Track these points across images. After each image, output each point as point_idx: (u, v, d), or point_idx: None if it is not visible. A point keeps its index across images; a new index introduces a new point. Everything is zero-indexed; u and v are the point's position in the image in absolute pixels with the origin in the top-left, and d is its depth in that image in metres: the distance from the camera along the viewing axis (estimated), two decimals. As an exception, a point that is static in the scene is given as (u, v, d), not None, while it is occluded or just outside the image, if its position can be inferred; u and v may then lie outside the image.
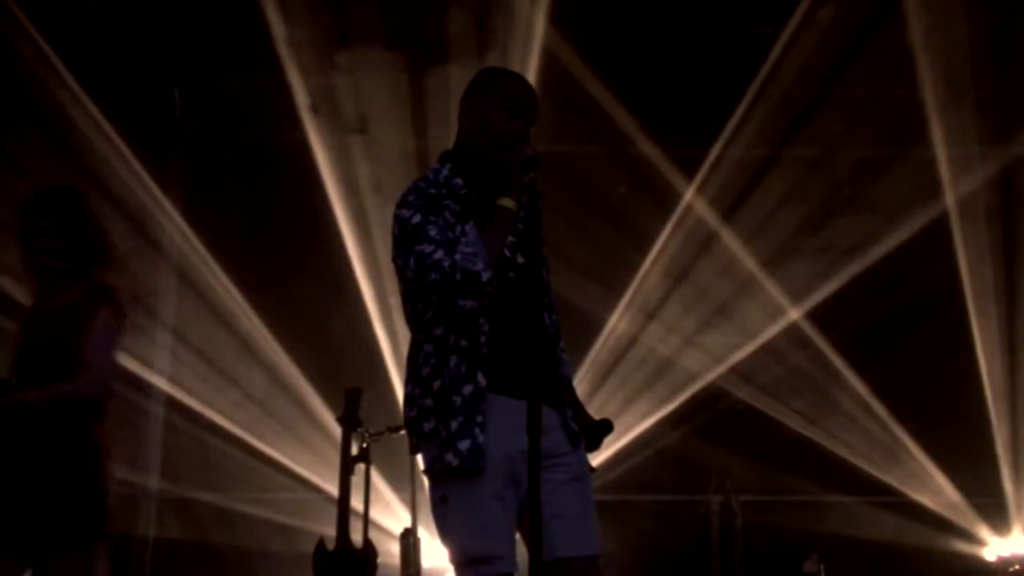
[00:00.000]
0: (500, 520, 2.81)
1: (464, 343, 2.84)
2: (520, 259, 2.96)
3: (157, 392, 7.42)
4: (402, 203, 2.97)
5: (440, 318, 2.88)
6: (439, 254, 2.82)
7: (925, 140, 7.35)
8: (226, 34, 7.09)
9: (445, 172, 3.02)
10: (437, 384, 2.86)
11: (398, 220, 2.94)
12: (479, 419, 2.79)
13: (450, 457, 2.79)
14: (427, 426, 2.86)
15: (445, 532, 2.88)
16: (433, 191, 2.96)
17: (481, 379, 2.81)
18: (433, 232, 2.86)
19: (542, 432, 2.65)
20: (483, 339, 2.84)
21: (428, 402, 2.87)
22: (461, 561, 2.84)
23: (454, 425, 2.80)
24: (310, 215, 7.49)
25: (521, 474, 2.75)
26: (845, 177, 7.75)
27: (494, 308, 2.84)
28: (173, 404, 7.37)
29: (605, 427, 3.04)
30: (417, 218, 2.90)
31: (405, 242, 2.90)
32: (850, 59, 7.12)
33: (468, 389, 2.81)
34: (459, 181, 2.98)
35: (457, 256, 2.81)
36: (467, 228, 2.88)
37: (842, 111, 7.45)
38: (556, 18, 6.86)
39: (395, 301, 7.47)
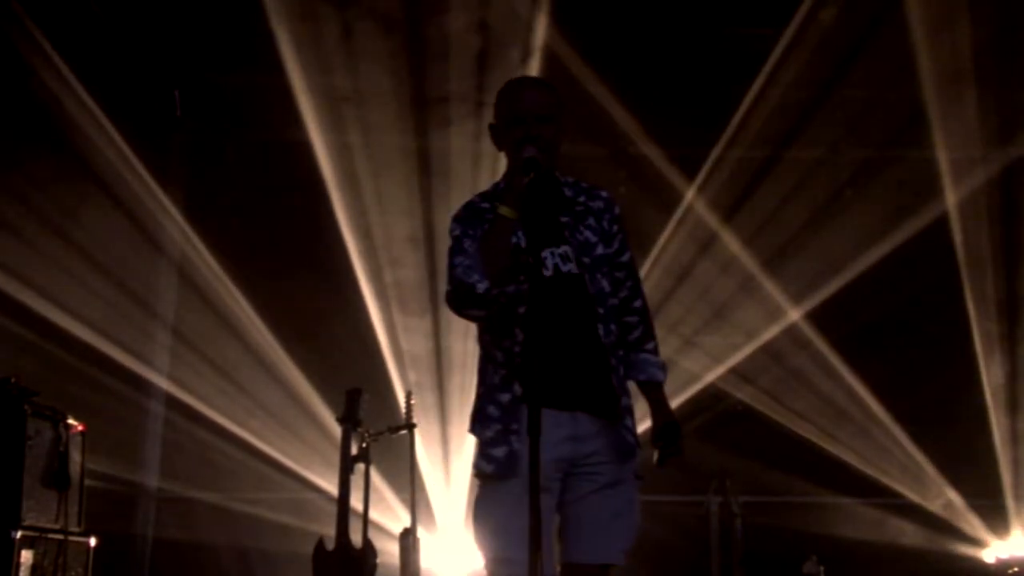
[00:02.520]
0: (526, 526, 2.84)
1: (500, 355, 2.92)
2: (565, 267, 2.96)
3: (157, 391, 7.42)
4: (453, 216, 3.07)
5: (483, 327, 3.00)
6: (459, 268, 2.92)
7: (926, 141, 7.35)
8: (227, 34, 7.08)
9: (502, 184, 3.07)
10: (482, 391, 2.98)
11: (449, 233, 3.04)
12: (515, 427, 2.85)
13: (483, 464, 2.90)
14: (476, 428, 2.97)
15: (476, 531, 2.94)
16: (485, 204, 3.03)
17: (517, 388, 2.88)
18: (466, 244, 2.94)
19: (578, 440, 2.84)
20: (516, 348, 2.88)
21: (477, 405, 2.99)
22: (486, 560, 2.93)
23: (490, 433, 2.90)
24: (310, 215, 7.49)
25: (555, 481, 2.86)
26: (846, 178, 7.75)
27: (532, 317, 2.83)
28: (173, 403, 7.37)
29: (673, 429, 3.01)
30: (457, 231, 3.00)
31: (448, 255, 3.00)
32: (851, 60, 7.12)
33: (505, 398, 2.89)
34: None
35: (458, 269, 2.87)
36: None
37: (843, 112, 7.45)
38: (557, 18, 6.85)
39: (396, 301, 7.53)
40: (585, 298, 2.94)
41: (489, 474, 2.87)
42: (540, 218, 2.89)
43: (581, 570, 2.90)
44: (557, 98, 3.06)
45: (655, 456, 3.00)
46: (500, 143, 3.06)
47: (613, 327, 2.99)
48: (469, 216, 3.00)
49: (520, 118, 2.98)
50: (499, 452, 2.86)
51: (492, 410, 2.91)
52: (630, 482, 2.97)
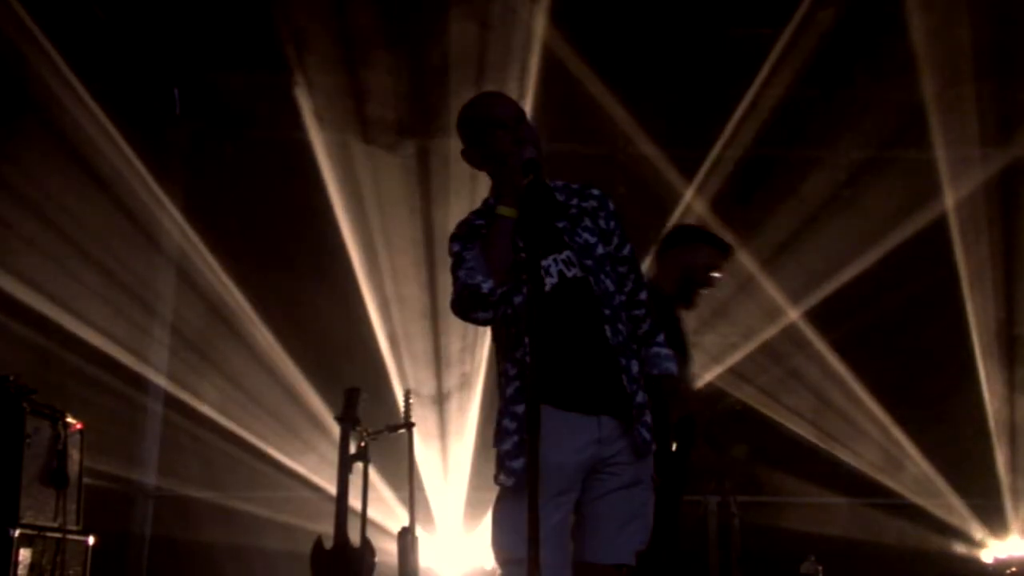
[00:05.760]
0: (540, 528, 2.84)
1: (512, 368, 2.93)
2: (570, 273, 2.96)
3: (155, 389, 7.42)
4: (451, 236, 3.08)
5: (496, 340, 3.01)
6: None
7: (925, 142, 7.36)
8: (226, 33, 7.08)
9: (492, 200, 3.08)
10: (500, 405, 2.98)
11: (448, 252, 3.06)
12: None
13: (503, 477, 2.90)
14: (496, 442, 2.97)
15: (493, 531, 2.96)
16: (480, 221, 3.05)
17: None
18: (467, 256, 2.95)
19: (602, 443, 2.85)
20: (528, 359, 2.85)
21: (496, 419, 2.99)
22: (498, 560, 2.95)
23: (507, 446, 2.89)
24: (310, 214, 7.49)
25: (577, 483, 2.88)
26: (845, 178, 7.76)
27: (536, 321, 2.80)
28: (171, 401, 7.37)
29: (690, 423, 3.02)
30: (456, 247, 3.01)
31: (451, 271, 3.01)
32: (850, 61, 7.12)
33: (520, 409, 2.89)
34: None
35: (461, 274, 2.89)
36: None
37: (842, 112, 7.45)
38: (556, 18, 6.85)
39: (395, 301, 7.53)
40: (591, 301, 2.94)
41: (510, 487, 2.86)
42: (539, 220, 2.89)
43: (596, 570, 2.90)
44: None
45: (672, 447, 3.01)
46: (482, 158, 3.06)
47: (620, 327, 2.99)
48: (466, 233, 3.02)
49: (501, 123, 3.00)
50: (517, 464, 2.84)
51: (508, 423, 2.90)
52: (647, 483, 2.98)
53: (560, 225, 3.02)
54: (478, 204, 3.14)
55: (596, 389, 2.89)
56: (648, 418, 2.97)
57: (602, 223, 3.08)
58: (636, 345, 3.06)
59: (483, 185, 3.18)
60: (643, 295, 3.14)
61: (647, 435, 2.94)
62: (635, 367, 2.98)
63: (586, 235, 3.02)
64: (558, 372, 2.84)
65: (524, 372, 2.88)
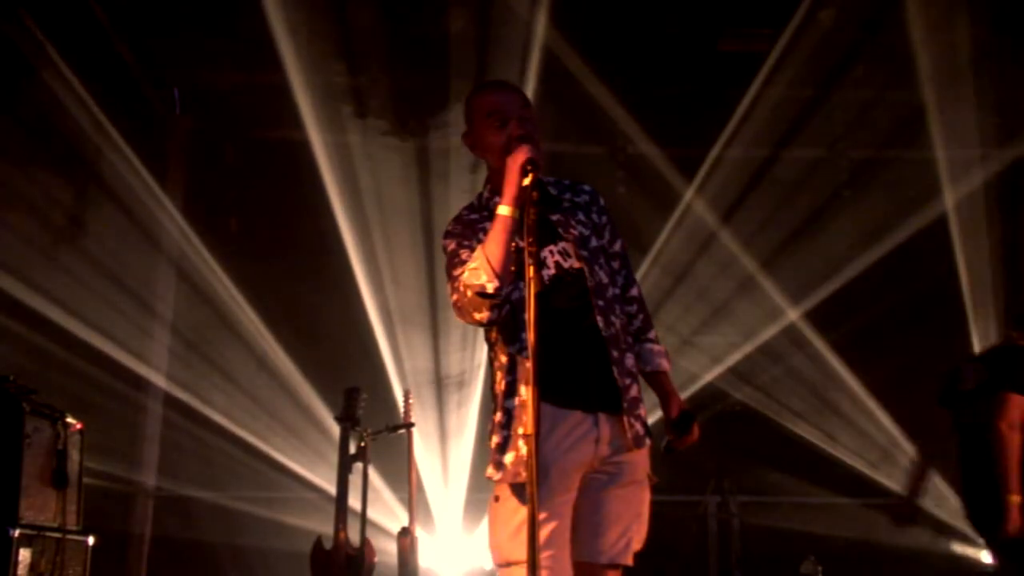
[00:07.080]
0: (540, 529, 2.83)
1: (505, 359, 2.93)
2: (567, 263, 2.96)
3: (155, 389, 7.42)
4: (445, 233, 3.07)
5: (491, 336, 2.99)
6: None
7: (924, 142, 7.36)
8: (226, 32, 7.08)
9: (486, 194, 3.10)
10: (497, 400, 2.97)
11: (443, 250, 3.04)
12: (522, 431, 2.84)
13: (493, 471, 2.90)
14: (490, 437, 2.97)
15: (490, 530, 2.95)
16: (475, 216, 3.04)
17: (524, 392, 2.86)
18: (465, 255, 2.94)
19: (599, 441, 2.85)
20: (524, 353, 2.86)
21: (492, 416, 2.99)
22: (495, 560, 2.93)
23: (498, 439, 2.90)
24: (309, 214, 7.49)
25: (574, 482, 2.86)
26: (845, 178, 7.76)
27: (537, 318, 2.76)
28: (171, 402, 7.38)
29: (688, 419, 3.02)
30: (452, 245, 3.00)
31: (447, 270, 3.00)
32: (850, 61, 7.12)
33: (512, 403, 2.89)
34: (497, 199, 3.00)
35: (464, 275, 2.86)
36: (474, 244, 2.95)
37: (842, 112, 7.45)
38: (556, 18, 6.85)
39: (394, 301, 7.53)
40: (586, 292, 2.94)
41: (499, 480, 2.87)
42: (540, 219, 2.89)
43: (594, 570, 2.89)
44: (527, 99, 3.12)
45: (663, 443, 3.01)
46: (484, 146, 3.05)
47: (614, 319, 2.99)
48: (462, 229, 3.02)
49: (506, 117, 2.99)
50: (508, 458, 2.85)
51: (500, 416, 2.91)
52: (644, 482, 2.97)
53: (554, 218, 3.03)
54: (479, 202, 3.14)
55: (591, 385, 2.89)
56: (642, 411, 2.97)
57: (594, 217, 3.10)
58: (631, 339, 3.06)
59: (482, 183, 3.18)
60: (635, 291, 3.14)
61: (640, 428, 2.94)
62: (628, 360, 2.98)
63: (580, 228, 3.03)
64: (553, 366, 2.81)
65: (515, 366, 2.89)
